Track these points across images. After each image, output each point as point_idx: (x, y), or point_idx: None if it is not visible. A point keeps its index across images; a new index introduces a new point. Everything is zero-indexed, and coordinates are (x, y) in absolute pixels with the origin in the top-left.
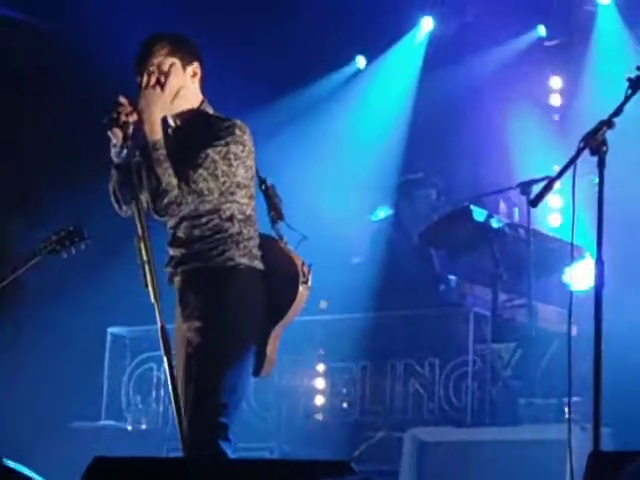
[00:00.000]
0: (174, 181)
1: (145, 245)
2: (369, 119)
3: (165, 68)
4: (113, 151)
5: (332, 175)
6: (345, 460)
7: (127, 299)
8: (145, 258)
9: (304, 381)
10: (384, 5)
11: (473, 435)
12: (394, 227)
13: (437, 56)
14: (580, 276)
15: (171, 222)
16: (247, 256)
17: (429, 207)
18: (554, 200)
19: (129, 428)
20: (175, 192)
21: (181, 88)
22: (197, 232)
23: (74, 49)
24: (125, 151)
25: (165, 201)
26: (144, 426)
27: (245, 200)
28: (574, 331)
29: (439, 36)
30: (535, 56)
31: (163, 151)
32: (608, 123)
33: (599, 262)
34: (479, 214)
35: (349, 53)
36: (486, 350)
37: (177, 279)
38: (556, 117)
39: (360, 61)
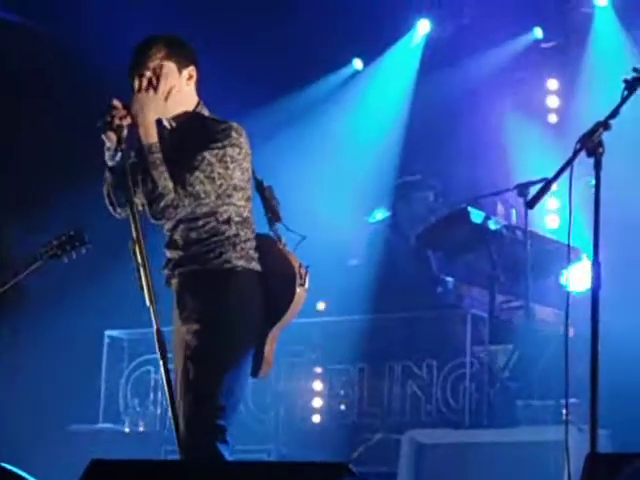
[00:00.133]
0: (170, 184)
1: (140, 248)
2: (366, 121)
3: (160, 72)
4: (107, 154)
5: (329, 177)
6: (343, 462)
7: (125, 302)
8: (140, 261)
9: (302, 383)
10: (381, 7)
11: (471, 437)
12: (391, 229)
13: (434, 58)
14: (577, 278)
15: (168, 225)
16: (244, 258)
17: (426, 209)
18: (551, 202)
19: (127, 431)
20: (171, 195)
21: (176, 91)
22: (194, 235)
23: (71, 51)
24: (119, 154)
25: (162, 205)
26: (142, 429)
27: (242, 202)
28: (571, 333)
29: (436, 38)
30: (532, 58)
31: (159, 154)
32: (604, 125)
33: (596, 263)
34: (476, 216)
35: (346, 55)
36: (483, 352)
37: (174, 281)
38: (553, 119)
39: (357, 63)
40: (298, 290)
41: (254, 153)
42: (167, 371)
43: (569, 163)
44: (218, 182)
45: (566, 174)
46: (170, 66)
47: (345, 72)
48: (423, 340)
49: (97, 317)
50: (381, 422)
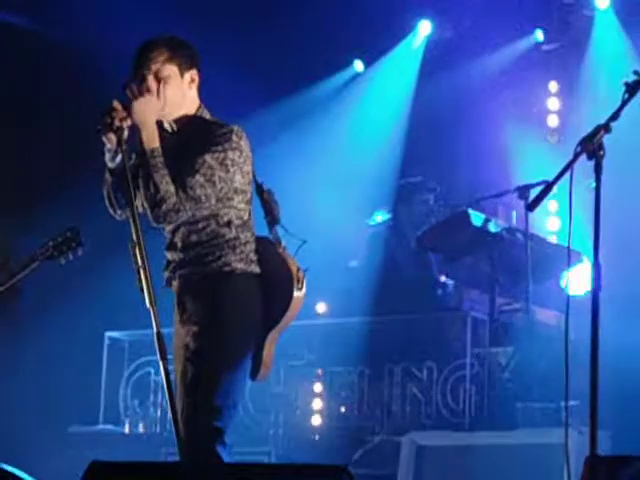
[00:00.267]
0: (172, 188)
1: (140, 250)
2: (367, 123)
3: (162, 75)
4: (107, 155)
5: (330, 179)
6: (342, 464)
7: (125, 303)
8: (140, 263)
9: (302, 385)
10: (382, 9)
11: (471, 439)
12: (392, 231)
13: (435, 60)
14: (578, 280)
15: (169, 227)
16: (244, 261)
17: (427, 211)
18: (552, 204)
19: (127, 432)
20: (173, 199)
21: (177, 95)
22: (194, 237)
23: (70, 51)
24: (119, 155)
25: (163, 209)
26: (142, 430)
27: (242, 205)
28: (572, 335)
29: (437, 40)
30: (533, 61)
31: (161, 158)
32: (605, 127)
33: (596, 266)
34: (477, 218)
35: (347, 57)
36: (484, 354)
37: (175, 283)
38: (554, 121)
39: (358, 65)
40: (295, 294)
41: (255, 154)
42: (167, 373)
43: (569, 166)
44: (219, 186)
45: (566, 177)
46: (172, 69)
47: (346, 74)
48: (423, 342)
49: (97, 319)
50: (381, 424)
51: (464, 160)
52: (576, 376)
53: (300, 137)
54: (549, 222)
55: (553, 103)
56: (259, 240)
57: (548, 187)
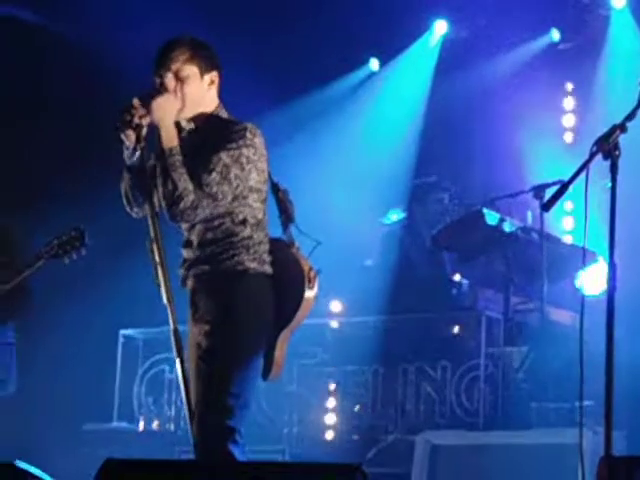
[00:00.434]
0: (190, 186)
1: (158, 246)
2: (382, 122)
3: (182, 75)
4: (126, 153)
5: (345, 178)
6: (356, 463)
7: (139, 301)
8: (157, 260)
9: (315, 384)
10: (398, 8)
11: (485, 439)
12: (406, 230)
13: (451, 59)
14: (593, 280)
15: (185, 225)
16: (257, 261)
17: (442, 211)
18: (568, 203)
19: (141, 430)
20: (191, 197)
21: (196, 96)
22: (210, 235)
23: (78, 50)
24: (138, 153)
25: (181, 206)
26: (156, 428)
27: (257, 204)
28: (586, 335)
29: (453, 39)
30: (548, 60)
31: (179, 157)
32: (621, 127)
33: (612, 266)
34: (492, 218)
35: (363, 56)
36: (498, 354)
37: (189, 282)
38: (569, 121)
39: (374, 64)
40: (307, 294)
41: (270, 154)
42: (184, 370)
43: (585, 166)
44: (234, 183)
45: (582, 177)
46: (192, 70)
47: (361, 73)
48: (437, 342)
49: (111, 316)
50: (395, 423)
51: (479, 159)
52: (591, 376)
53: (315, 136)
54: (564, 222)
55: (568, 103)
56: (273, 241)
57: (564, 187)
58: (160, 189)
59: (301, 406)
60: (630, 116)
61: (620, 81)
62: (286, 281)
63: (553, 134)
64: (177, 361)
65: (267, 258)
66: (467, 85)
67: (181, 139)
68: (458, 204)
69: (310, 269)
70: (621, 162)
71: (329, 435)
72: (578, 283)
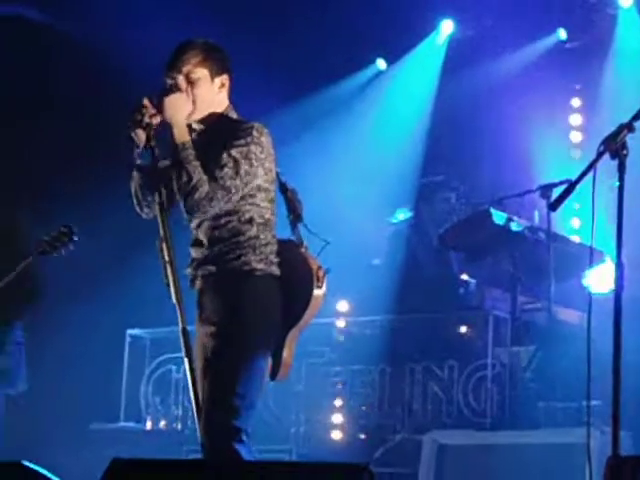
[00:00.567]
0: (204, 177)
1: (167, 246)
2: (389, 121)
3: (193, 77)
4: (136, 152)
5: (352, 177)
6: (363, 463)
7: (146, 301)
8: (167, 259)
9: (322, 384)
10: (405, 8)
11: (492, 438)
12: (413, 229)
13: (457, 59)
14: (600, 279)
15: (194, 223)
16: (263, 261)
17: (449, 210)
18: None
19: (148, 430)
20: (206, 187)
21: (206, 99)
22: (216, 233)
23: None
24: (148, 152)
25: (196, 197)
26: (163, 428)
27: (265, 204)
28: (594, 334)
29: (459, 39)
30: (555, 59)
31: (192, 151)
32: (629, 126)
33: (619, 265)
34: (499, 217)
35: (370, 55)
36: (505, 353)
37: (197, 282)
38: (577, 120)
39: (381, 63)
40: (315, 292)
41: (277, 153)
42: (192, 369)
43: (592, 165)
44: (245, 179)
45: (589, 176)
46: (203, 73)
47: (369, 72)
48: (444, 341)
49: (118, 316)
50: (402, 423)
51: (486, 159)
52: (598, 375)
53: (323, 136)
54: (572, 221)
55: (576, 102)
56: (281, 243)
57: (571, 186)
58: (175, 182)
59: (308, 405)
60: (638, 115)
61: (628, 80)
62: (295, 280)
63: (560, 133)
64: (185, 361)
65: (274, 259)
66: (474, 84)
67: (191, 140)
68: (465, 203)
69: (319, 268)
70: (628, 161)
71: (336, 435)
72: (585, 282)
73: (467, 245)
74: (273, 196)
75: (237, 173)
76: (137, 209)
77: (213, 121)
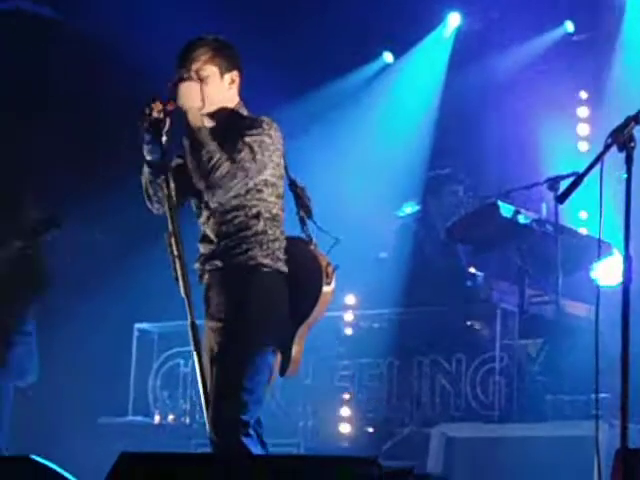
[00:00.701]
0: (224, 156)
1: (176, 240)
2: (396, 115)
3: (202, 75)
4: (146, 148)
5: (359, 170)
6: (372, 456)
7: (154, 295)
8: (176, 253)
9: (330, 377)
10: (411, 1)
11: (500, 431)
12: (421, 223)
13: (464, 52)
14: (608, 272)
15: (202, 218)
16: (270, 257)
17: (456, 203)
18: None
19: (156, 423)
20: (227, 164)
21: (215, 95)
22: (224, 228)
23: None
24: (157, 148)
25: (217, 174)
26: (171, 422)
27: (272, 199)
28: (602, 327)
29: (466, 32)
30: (563, 52)
31: (207, 132)
32: (636, 119)
33: (627, 257)
34: (506, 210)
35: (377, 49)
36: (513, 346)
37: (205, 276)
38: (584, 112)
39: (387, 57)
40: (324, 289)
41: (286, 146)
42: (201, 363)
43: (600, 157)
44: (259, 165)
45: (597, 168)
46: (212, 70)
47: (376, 65)
48: (452, 334)
49: (126, 310)
50: (410, 416)
51: (493, 151)
52: (606, 368)
53: (330, 129)
54: (580, 213)
55: (583, 94)
56: (290, 240)
57: (578, 179)
58: (194, 165)
59: (316, 399)
60: None
61: (635, 72)
62: (304, 277)
63: (568, 126)
64: (194, 355)
65: (282, 255)
66: (481, 77)
67: None
68: (473, 196)
69: (328, 264)
70: (636, 153)
71: (344, 428)
72: (593, 275)
73: (474, 238)
74: (281, 192)
75: (253, 158)
76: (148, 204)
77: (224, 117)
